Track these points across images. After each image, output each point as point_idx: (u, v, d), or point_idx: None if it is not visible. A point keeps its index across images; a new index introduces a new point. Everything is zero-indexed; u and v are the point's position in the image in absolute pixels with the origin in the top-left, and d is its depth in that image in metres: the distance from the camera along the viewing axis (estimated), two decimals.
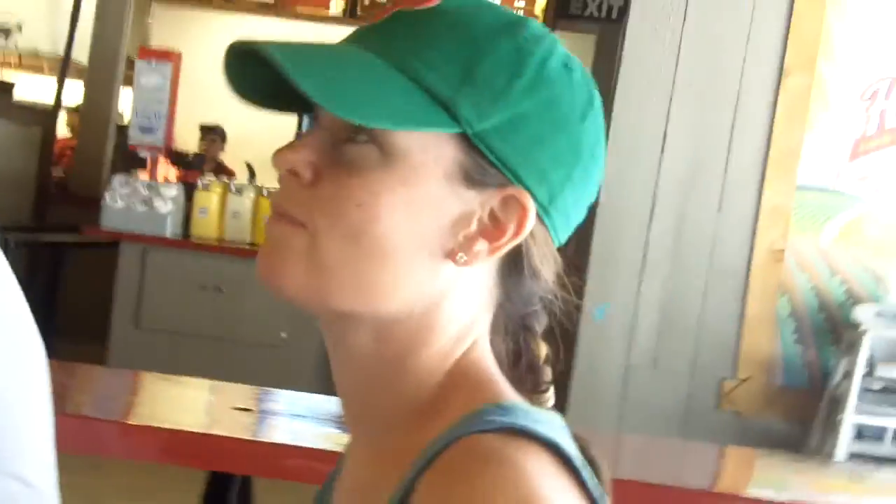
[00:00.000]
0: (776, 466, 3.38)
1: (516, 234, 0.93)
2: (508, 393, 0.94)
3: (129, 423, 2.82)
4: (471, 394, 0.92)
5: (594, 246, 5.43)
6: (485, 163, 0.91)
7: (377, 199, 0.89)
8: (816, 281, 5.35)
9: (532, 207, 0.93)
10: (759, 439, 5.07)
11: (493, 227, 0.93)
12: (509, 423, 0.86)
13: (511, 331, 1.00)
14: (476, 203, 0.92)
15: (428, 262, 0.92)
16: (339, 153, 0.90)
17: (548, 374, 1.02)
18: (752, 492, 3.10)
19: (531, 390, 0.99)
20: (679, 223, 5.37)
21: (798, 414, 5.27)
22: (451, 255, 0.92)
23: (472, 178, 0.91)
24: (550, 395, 1.02)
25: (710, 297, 5.34)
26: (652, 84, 5.24)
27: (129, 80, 7.63)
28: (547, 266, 0.97)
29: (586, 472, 0.87)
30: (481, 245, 0.92)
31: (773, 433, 5.26)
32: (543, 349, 1.02)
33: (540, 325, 1.01)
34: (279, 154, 0.92)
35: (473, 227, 0.92)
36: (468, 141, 0.90)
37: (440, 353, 0.94)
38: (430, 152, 0.90)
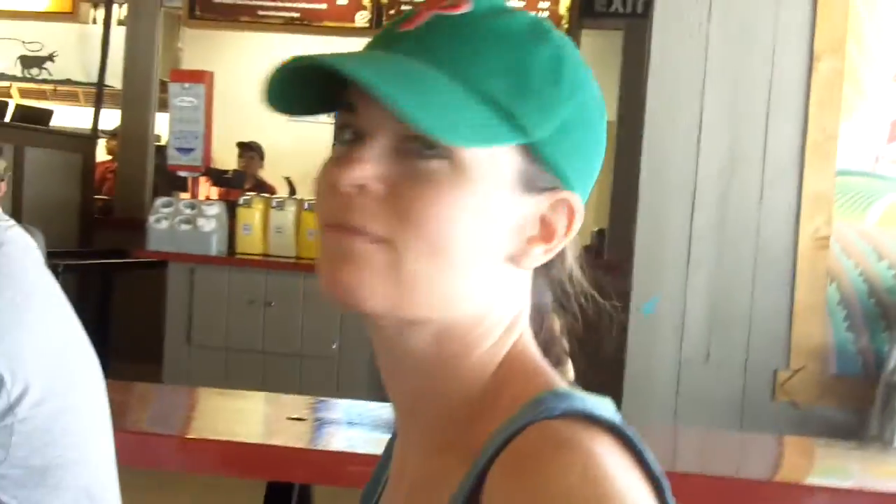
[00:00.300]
0: (836, 455, 3.35)
1: (566, 234, 0.97)
2: (558, 380, 0.96)
3: (188, 437, 2.84)
4: (524, 383, 0.94)
5: (637, 243, 5.42)
6: (541, 169, 0.94)
7: (454, 211, 0.90)
8: (864, 266, 5.31)
9: (580, 209, 0.98)
10: (817, 429, 5.03)
11: (545, 230, 0.97)
12: (570, 408, 0.88)
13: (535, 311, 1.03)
14: (533, 208, 0.95)
15: (494, 268, 0.95)
16: (408, 167, 0.90)
17: (565, 345, 1.06)
18: (814, 480, 3.08)
19: (554, 364, 1.01)
20: (721, 215, 5.34)
21: (854, 402, 5.23)
22: (512, 259, 0.96)
23: (530, 185, 0.94)
24: (570, 367, 1.05)
25: (758, 287, 5.31)
26: (683, 77, 5.22)
27: (163, 104, 7.69)
28: (570, 250, 1.03)
29: (648, 453, 0.88)
30: (538, 248, 0.96)
31: (830, 422, 5.22)
32: (557, 322, 1.05)
33: (556, 301, 1.05)
34: (341, 170, 0.91)
35: (531, 231, 0.96)
36: (528, 150, 0.93)
37: (494, 348, 0.97)
38: (496, 163, 0.92)
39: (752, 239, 5.31)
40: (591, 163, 0.98)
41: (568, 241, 0.98)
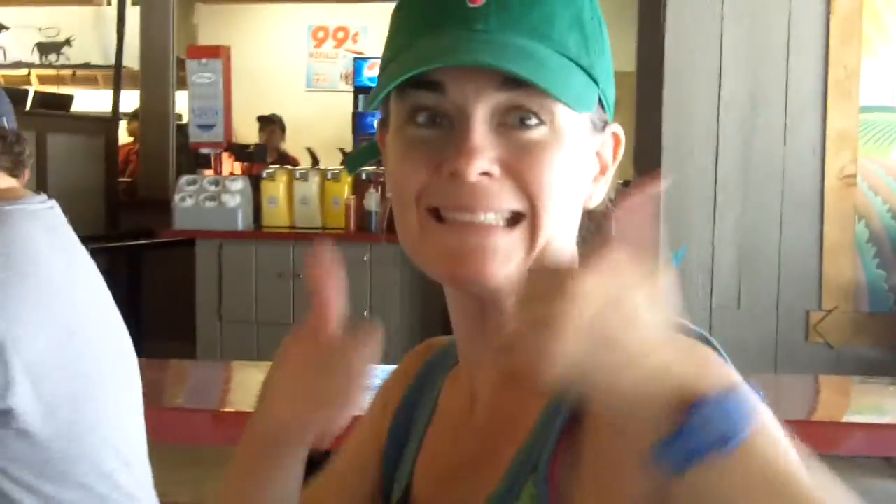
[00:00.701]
0: (872, 392, 3.34)
1: (614, 160, 1.04)
2: None
3: (223, 410, 2.86)
4: None
5: (663, 192, 5.39)
6: (600, 108, 1.01)
7: (566, 172, 0.96)
8: (892, 202, 5.28)
9: (623, 135, 1.04)
10: (852, 368, 5.02)
11: (601, 164, 1.03)
12: None
13: None
14: (596, 145, 1.02)
15: (580, 210, 1.02)
16: (513, 139, 0.94)
17: None
18: (851, 418, 3.07)
19: None
20: (745, 158, 5.32)
21: (888, 340, 5.21)
22: (587, 199, 1.02)
23: (595, 127, 1.01)
24: None
25: (786, 229, 5.28)
26: (701, 19, 5.19)
27: (182, 82, 7.69)
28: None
29: (730, 362, 0.91)
30: (602, 183, 1.03)
31: (865, 361, 5.21)
32: None
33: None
34: (464, 161, 0.92)
35: (594, 170, 1.03)
36: (598, 97, 0.99)
37: None
38: (580, 118, 0.98)
39: (778, 181, 5.28)
40: (613, 81, 1.03)
41: (615, 167, 1.04)
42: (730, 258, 5.30)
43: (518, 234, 0.94)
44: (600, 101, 1.00)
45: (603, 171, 1.03)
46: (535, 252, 0.95)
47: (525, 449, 0.95)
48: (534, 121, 0.94)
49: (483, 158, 0.92)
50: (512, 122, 0.94)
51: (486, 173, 0.93)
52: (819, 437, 2.72)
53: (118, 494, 1.90)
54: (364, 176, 6.38)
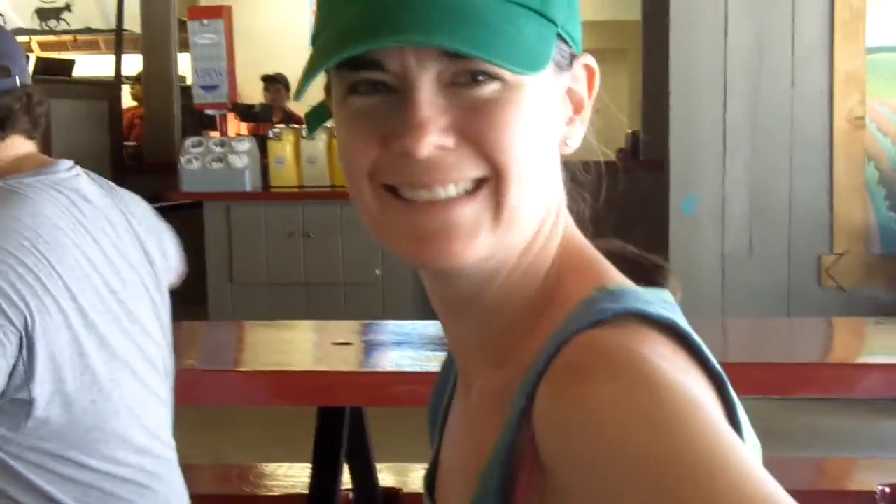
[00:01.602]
0: (886, 333, 3.33)
1: (589, 96, 0.95)
2: (612, 273, 0.93)
3: (238, 370, 2.86)
4: (576, 282, 0.91)
5: (672, 140, 5.38)
6: (563, 45, 0.91)
7: (525, 125, 0.87)
8: None
9: (596, 65, 0.95)
10: (866, 311, 5.02)
11: (574, 102, 0.95)
12: (622, 308, 0.85)
13: None
14: (565, 85, 0.93)
15: (557, 159, 0.94)
16: (464, 99, 0.86)
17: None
18: (866, 359, 3.06)
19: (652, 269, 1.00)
20: (753, 104, 5.29)
21: None
22: (562, 143, 0.94)
23: (559, 66, 0.91)
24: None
25: (796, 174, 5.27)
26: None
27: (184, 43, 7.66)
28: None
29: (704, 349, 0.85)
30: (578, 122, 0.95)
31: (879, 303, 5.21)
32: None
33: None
34: (413, 139, 0.84)
35: (566, 111, 0.94)
36: (558, 36, 0.90)
37: (548, 243, 0.94)
38: None
39: (787, 125, 5.26)
40: (577, 13, 0.94)
41: (592, 102, 0.95)
42: (741, 204, 5.29)
43: (482, 200, 0.87)
44: (562, 38, 0.90)
45: (578, 109, 0.94)
46: (502, 218, 0.88)
47: (507, 423, 0.88)
48: (483, 77, 0.85)
49: (433, 132, 0.84)
50: (462, 79, 0.85)
51: (439, 146, 0.85)
52: (835, 379, 2.72)
53: (141, 476, 1.90)
54: None
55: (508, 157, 0.86)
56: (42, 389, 1.74)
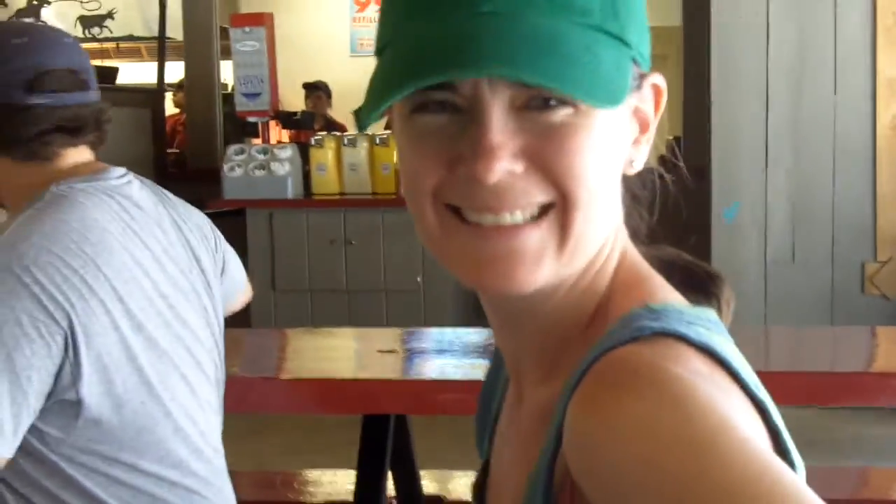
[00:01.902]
0: None
1: (655, 114, 0.94)
2: (662, 291, 0.92)
3: (282, 378, 2.88)
4: (622, 298, 0.91)
5: (714, 147, 5.36)
6: (633, 66, 0.90)
7: (595, 151, 0.86)
8: None
9: (664, 84, 0.94)
10: None
11: (640, 122, 0.94)
12: (660, 328, 0.84)
13: None
14: (633, 105, 0.92)
15: (620, 181, 0.93)
16: (535, 124, 0.85)
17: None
18: None
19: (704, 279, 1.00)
20: (795, 111, 5.27)
21: None
22: (627, 165, 0.93)
23: (630, 87, 0.89)
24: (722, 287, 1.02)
25: (839, 181, 5.24)
26: None
27: (226, 51, 7.69)
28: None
29: (745, 372, 0.83)
30: (644, 141, 0.94)
31: None
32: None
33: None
34: (483, 165, 0.83)
35: (633, 132, 0.93)
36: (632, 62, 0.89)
37: (606, 263, 0.94)
38: None
39: (829, 131, 5.23)
40: (647, 31, 0.93)
41: (657, 121, 0.95)
42: (783, 211, 5.27)
43: (547, 227, 0.86)
44: (634, 60, 0.89)
45: (644, 129, 0.93)
46: (567, 246, 0.87)
47: (548, 436, 0.88)
48: (555, 103, 0.84)
49: (503, 159, 0.83)
50: (534, 104, 0.84)
51: (508, 172, 0.84)
52: (878, 388, 2.70)
53: (191, 481, 1.91)
54: None
55: (578, 185, 0.85)
56: (90, 390, 1.76)
